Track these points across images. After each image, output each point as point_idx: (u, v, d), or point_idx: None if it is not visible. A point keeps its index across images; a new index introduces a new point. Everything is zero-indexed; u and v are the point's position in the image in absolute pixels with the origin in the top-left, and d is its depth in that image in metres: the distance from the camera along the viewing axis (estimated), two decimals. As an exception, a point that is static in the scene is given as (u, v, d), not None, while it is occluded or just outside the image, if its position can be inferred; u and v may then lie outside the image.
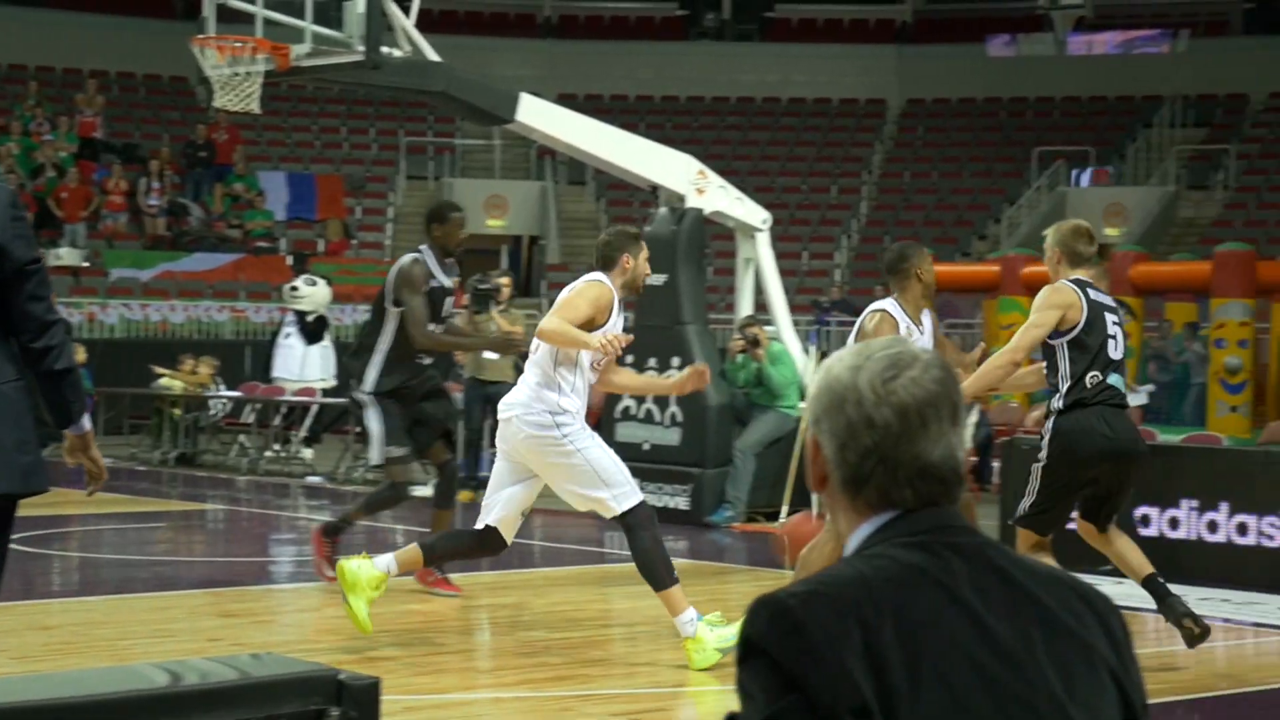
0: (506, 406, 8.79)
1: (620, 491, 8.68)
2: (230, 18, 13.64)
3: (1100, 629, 2.36)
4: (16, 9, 35.81)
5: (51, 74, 33.93)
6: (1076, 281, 8.63)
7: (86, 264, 28.15)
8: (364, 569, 8.72)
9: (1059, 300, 8.51)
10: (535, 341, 8.77)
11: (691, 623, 8.45)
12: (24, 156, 29.51)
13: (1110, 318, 8.59)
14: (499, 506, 8.90)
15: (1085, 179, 34.72)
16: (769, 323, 15.53)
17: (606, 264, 9.08)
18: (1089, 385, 8.48)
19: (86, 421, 5.11)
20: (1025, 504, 8.65)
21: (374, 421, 10.43)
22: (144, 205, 30.05)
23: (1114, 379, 8.50)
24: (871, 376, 2.36)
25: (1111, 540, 8.82)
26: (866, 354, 2.41)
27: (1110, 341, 8.52)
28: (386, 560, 8.85)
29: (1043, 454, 8.55)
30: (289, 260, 29.41)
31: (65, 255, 27.75)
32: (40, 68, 33.90)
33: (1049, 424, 8.57)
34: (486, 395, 16.14)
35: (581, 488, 8.68)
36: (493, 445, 16.57)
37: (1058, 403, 8.50)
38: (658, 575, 8.59)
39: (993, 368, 8.68)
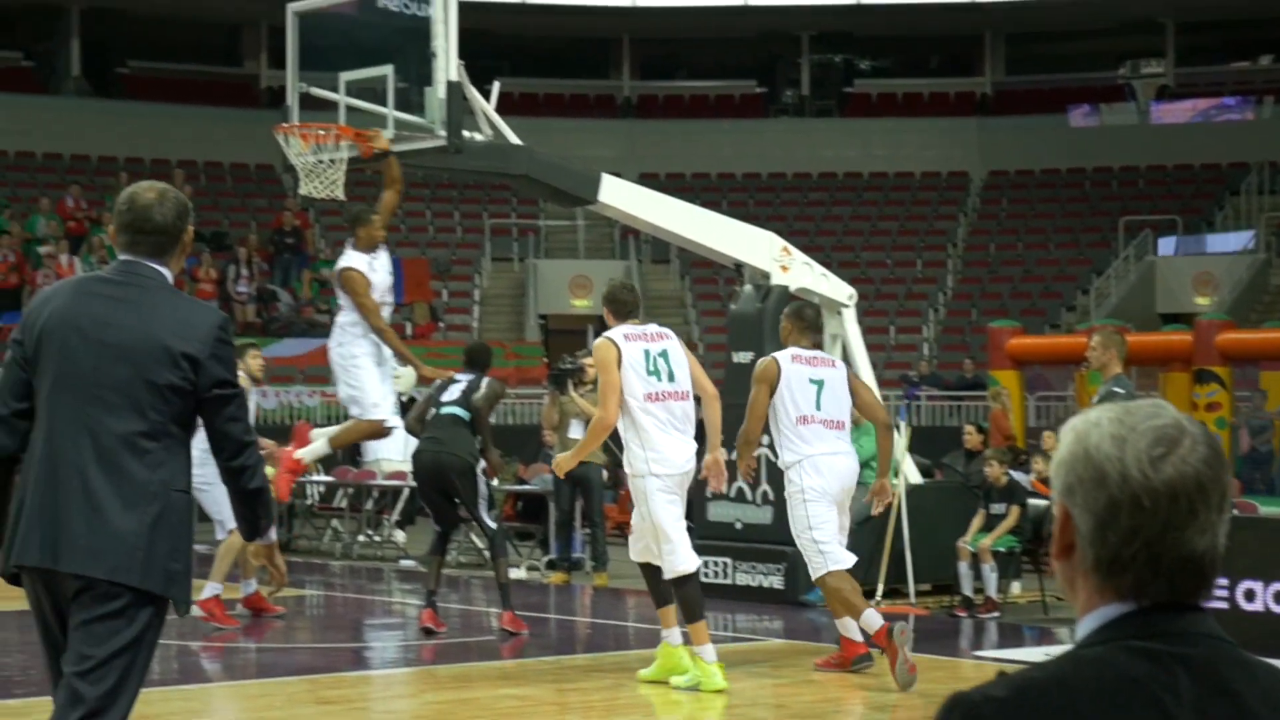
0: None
1: None
2: (314, 106, 13.74)
3: None
4: (106, 102, 36.42)
5: (140, 165, 34.36)
6: None
7: (177, 352, 28.37)
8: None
9: None
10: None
11: None
12: (113, 249, 29.86)
13: None
14: None
15: (1174, 247, 34.38)
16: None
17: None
18: None
19: (273, 533, 5.42)
20: None
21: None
22: (234, 293, 30.33)
23: None
24: (1139, 452, 2.14)
25: None
26: (1130, 424, 2.18)
27: None
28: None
29: None
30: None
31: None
32: (129, 159, 34.35)
33: None
34: (574, 476, 16.08)
35: None
36: (584, 525, 16.60)
37: None
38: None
39: None
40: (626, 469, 10.18)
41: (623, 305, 10.27)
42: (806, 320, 10.89)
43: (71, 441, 4.94)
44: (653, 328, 10.35)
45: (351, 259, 11.86)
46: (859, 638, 10.70)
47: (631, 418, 9.94)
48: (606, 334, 10.15)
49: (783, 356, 10.66)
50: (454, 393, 12.38)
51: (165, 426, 4.97)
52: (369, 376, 11.69)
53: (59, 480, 4.92)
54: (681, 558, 9.91)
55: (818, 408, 10.51)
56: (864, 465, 14.69)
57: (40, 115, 34.98)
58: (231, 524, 11.81)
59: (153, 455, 4.94)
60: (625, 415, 9.94)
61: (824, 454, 10.50)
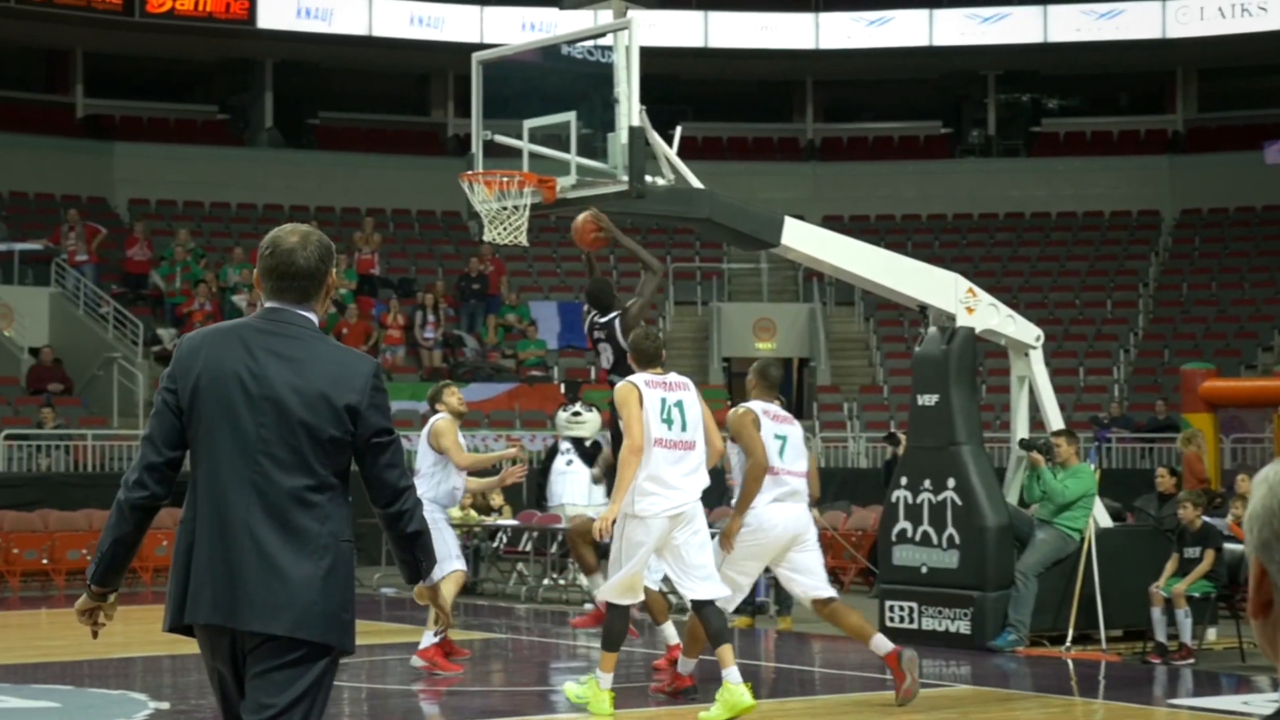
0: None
1: None
2: (499, 153, 13.89)
3: None
4: (297, 152, 37.17)
5: (331, 214, 35.01)
6: None
7: (365, 397, 28.75)
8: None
9: None
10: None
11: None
12: (260, 295, 30.37)
13: None
14: None
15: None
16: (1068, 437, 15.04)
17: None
18: None
19: (435, 574, 5.38)
20: None
21: None
22: (420, 338, 30.71)
23: None
24: None
25: None
26: None
27: None
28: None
29: None
30: (562, 388, 29.71)
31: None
32: (320, 208, 34.99)
33: None
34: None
35: None
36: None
37: None
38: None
39: None
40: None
41: (644, 354, 10.90)
42: (770, 380, 11.69)
43: (239, 498, 4.95)
44: (673, 377, 10.97)
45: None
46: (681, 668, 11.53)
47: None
48: (630, 378, 10.79)
49: (757, 407, 11.39)
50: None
51: (329, 479, 4.98)
52: None
53: (230, 538, 4.94)
54: (611, 589, 10.63)
55: (780, 458, 11.27)
56: (1065, 507, 14.48)
57: (234, 166, 35.81)
58: (451, 566, 11.86)
59: (320, 508, 4.96)
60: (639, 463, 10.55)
61: (779, 501, 11.21)
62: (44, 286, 29.82)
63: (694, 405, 10.80)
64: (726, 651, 10.41)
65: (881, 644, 11.22)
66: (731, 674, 10.35)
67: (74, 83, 36.44)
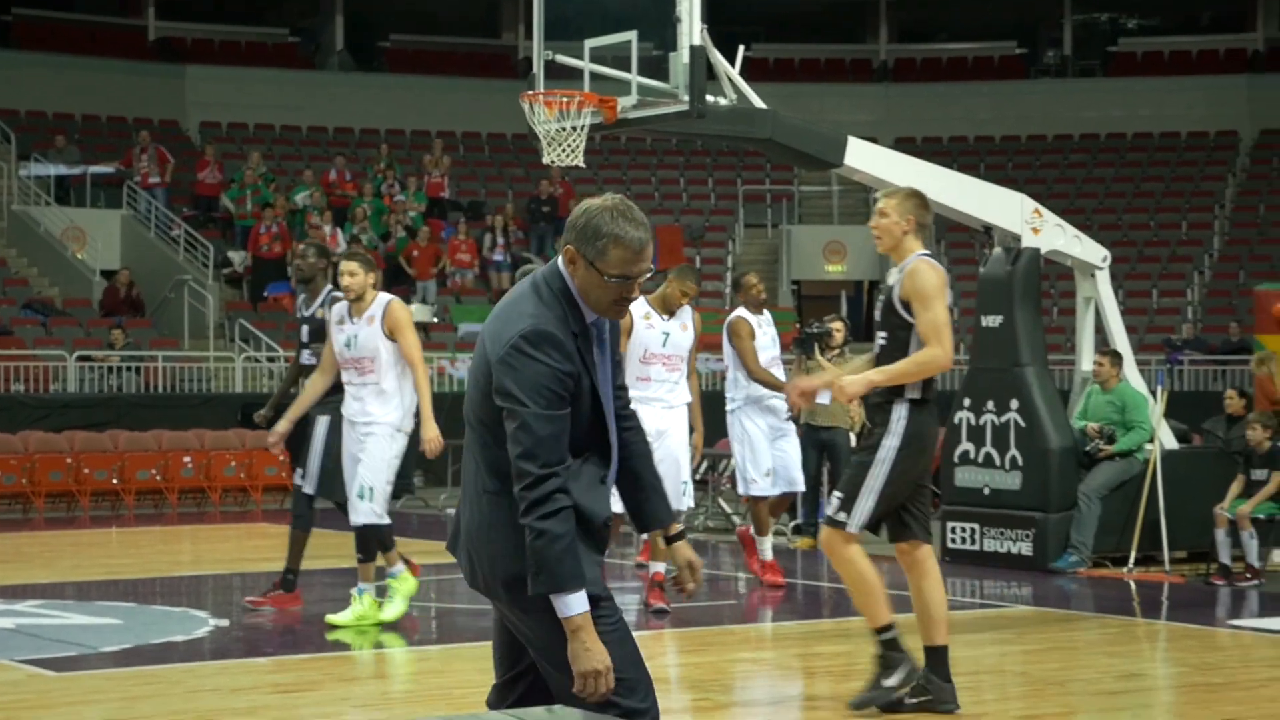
0: None
1: None
2: (563, 74, 13.80)
3: None
4: (368, 75, 37.16)
5: (401, 136, 35.04)
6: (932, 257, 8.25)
7: (436, 319, 28.87)
8: None
9: (942, 280, 8.09)
10: None
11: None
12: (375, 218, 30.47)
13: None
14: None
15: None
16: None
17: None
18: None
19: (570, 603, 4.62)
20: (867, 505, 7.91)
21: None
22: (490, 261, 30.73)
23: None
24: None
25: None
26: None
27: None
28: None
29: (891, 445, 7.90)
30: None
31: (417, 312, 28.43)
32: (390, 131, 35.03)
33: (900, 413, 7.92)
34: (820, 441, 16.00)
35: None
36: (831, 490, 16.48)
37: (913, 392, 7.94)
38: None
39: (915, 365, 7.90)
40: (380, 418, 10.89)
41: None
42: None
43: (466, 457, 4.95)
44: None
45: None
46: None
47: (412, 377, 10.94)
48: (398, 300, 11.05)
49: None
50: None
51: (499, 447, 4.76)
52: None
53: (463, 498, 5.02)
54: (370, 511, 10.77)
55: None
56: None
57: (305, 90, 35.86)
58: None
59: (506, 468, 4.74)
60: (401, 372, 10.90)
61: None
62: (115, 209, 30.05)
63: None
64: (369, 569, 11.01)
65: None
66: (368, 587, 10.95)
67: (146, 6, 36.56)
